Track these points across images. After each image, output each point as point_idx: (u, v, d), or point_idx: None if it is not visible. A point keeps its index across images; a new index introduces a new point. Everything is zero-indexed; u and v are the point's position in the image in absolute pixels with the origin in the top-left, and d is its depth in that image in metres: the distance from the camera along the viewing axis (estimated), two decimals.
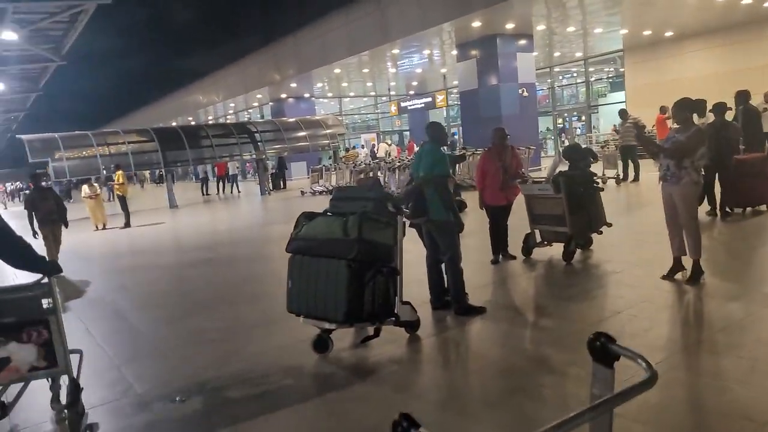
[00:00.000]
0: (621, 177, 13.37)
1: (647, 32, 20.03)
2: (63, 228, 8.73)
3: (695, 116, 5.22)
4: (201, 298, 6.42)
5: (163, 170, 21.54)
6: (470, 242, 8.24)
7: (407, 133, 36.81)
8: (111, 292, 7.18)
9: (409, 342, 4.35)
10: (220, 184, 25.29)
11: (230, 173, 25.36)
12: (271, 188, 22.95)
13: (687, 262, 5.28)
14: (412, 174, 5.11)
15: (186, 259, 9.13)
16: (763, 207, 8.36)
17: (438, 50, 22.08)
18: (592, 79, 27.02)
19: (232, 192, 24.79)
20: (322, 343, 4.16)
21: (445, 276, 5.01)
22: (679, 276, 5.35)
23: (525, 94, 19.31)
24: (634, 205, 10.73)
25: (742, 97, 8.94)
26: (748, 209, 8.31)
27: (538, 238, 6.87)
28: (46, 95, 26.65)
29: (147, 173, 37.98)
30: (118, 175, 14.40)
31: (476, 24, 16.92)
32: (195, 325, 5.35)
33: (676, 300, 4.84)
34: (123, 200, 14.36)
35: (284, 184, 24.62)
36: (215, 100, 33.41)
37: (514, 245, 6.84)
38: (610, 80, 28.12)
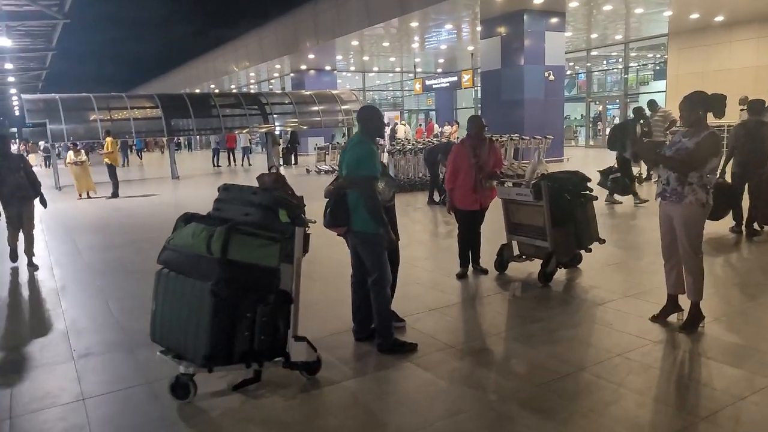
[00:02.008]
0: (644, 176, 12.00)
1: (695, 15, 18.21)
2: (39, 206, 6.78)
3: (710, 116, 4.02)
4: (112, 305, 5.42)
5: (165, 138, 20.82)
6: (450, 245, 7.20)
7: (434, 112, 35.44)
8: (20, 286, 6.29)
9: (300, 390, 3.40)
10: (230, 156, 24.62)
11: (242, 145, 24.64)
12: (281, 163, 22.11)
13: (685, 301, 4.18)
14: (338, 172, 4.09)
15: (141, 239, 8.28)
16: None
17: (467, 26, 20.67)
18: (632, 65, 25.13)
19: (243, 164, 24.08)
20: (181, 388, 3.24)
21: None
22: (673, 318, 4.25)
23: (551, 77, 17.85)
24: (651, 212, 9.41)
25: (757, 106, 6.91)
26: None
27: (516, 251, 5.80)
28: (67, 56, 26.45)
29: (165, 140, 37.40)
30: (108, 142, 13.69)
31: None
32: (63, 349, 4.48)
33: (661, 356, 3.73)
34: (112, 169, 13.66)
35: (296, 160, 23.79)
36: (235, 68, 32.63)
37: (489, 256, 5.79)
38: (657, 67, 26.10)
